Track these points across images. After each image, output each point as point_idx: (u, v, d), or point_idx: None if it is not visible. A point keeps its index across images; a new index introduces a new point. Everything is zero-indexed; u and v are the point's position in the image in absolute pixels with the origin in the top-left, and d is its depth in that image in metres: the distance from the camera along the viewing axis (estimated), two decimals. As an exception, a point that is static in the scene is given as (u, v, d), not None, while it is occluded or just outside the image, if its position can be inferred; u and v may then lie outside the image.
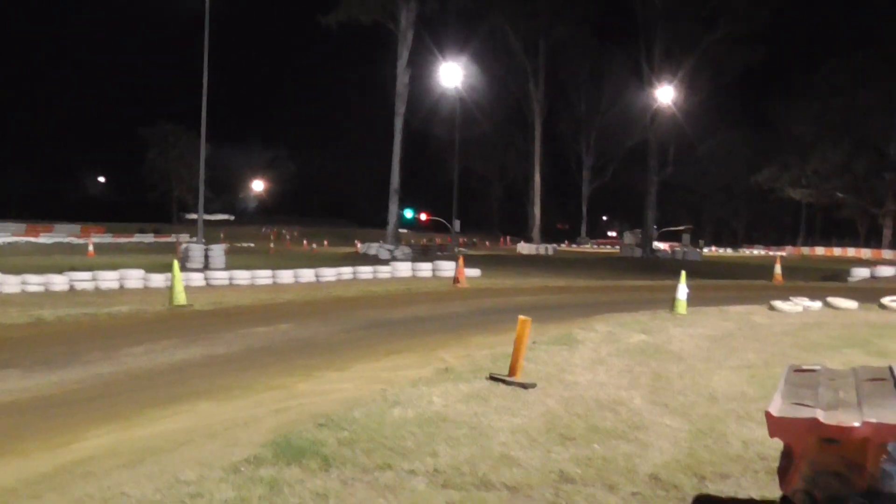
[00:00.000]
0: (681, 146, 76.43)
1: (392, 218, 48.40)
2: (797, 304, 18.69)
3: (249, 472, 5.90)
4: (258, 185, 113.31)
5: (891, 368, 5.66)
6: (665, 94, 59.04)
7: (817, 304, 19.13)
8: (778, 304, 18.59)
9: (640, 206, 65.86)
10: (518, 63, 68.88)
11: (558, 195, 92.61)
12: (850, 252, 74.75)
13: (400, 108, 47.97)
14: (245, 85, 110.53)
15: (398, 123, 47.84)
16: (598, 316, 16.37)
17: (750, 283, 31.26)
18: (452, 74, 54.56)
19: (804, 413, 4.36)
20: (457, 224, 55.87)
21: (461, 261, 26.72)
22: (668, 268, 39.90)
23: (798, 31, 78.33)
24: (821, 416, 4.28)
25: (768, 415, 4.41)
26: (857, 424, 3.93)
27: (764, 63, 60.70)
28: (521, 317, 9.60)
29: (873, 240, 77.22)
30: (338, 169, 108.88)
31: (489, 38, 63.26)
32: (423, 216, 71.28)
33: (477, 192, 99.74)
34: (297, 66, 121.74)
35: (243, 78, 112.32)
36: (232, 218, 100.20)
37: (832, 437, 3.69)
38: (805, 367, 6.06)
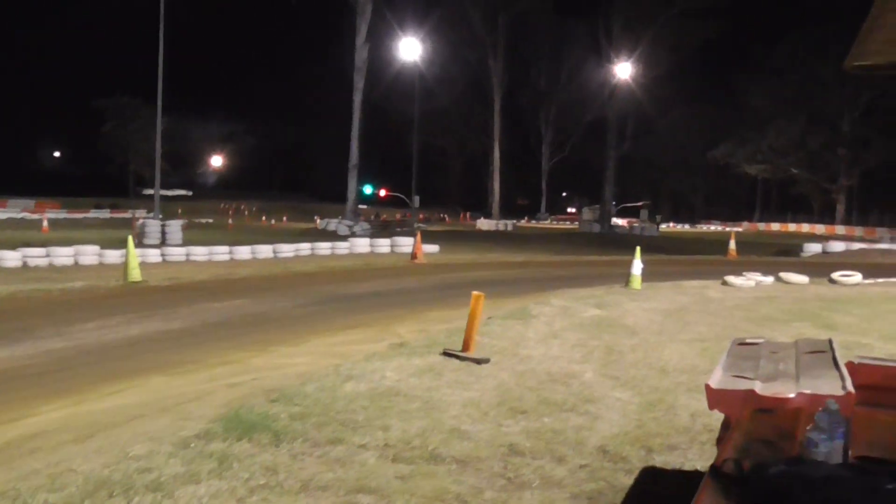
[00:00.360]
0: (640, 121, 76.77)
1: (351, 193, 48.22)
2: (750, 279, 18.96)
3: (199, 446, 5.90)
4: (217, 160, 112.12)
5: (830, 341, 5.79)
6: (623, 69, 59.26)
7: (769, 279, 19.43)
8: (731, 278, 18.85)
9: (599, 182, 66.21)
10: (477, 37, 68.74)
11: (518, 171, 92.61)
12: (805, 227, 75.78)
13: (359, 83, 47.67)
14: (204, 57, 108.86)
15: (357, 98, 47.56)
16: (554, 291, 16.50)
17: (705, 258, 31.65)
18: (411, 49, 54.30)
19: (742, 385, 4.45)
20: (416, 200, 55.77)
21: (419, 236, 26.77)
22: (625, 243, 40.17)
23: (758, 5, 78.74)
24: (758, 387, 4.37)
25: (707, 387, 4.49)
26: (791, 395, 4.02)
27: (722, 37, 61.28)
28: (475, 292, 9.67)
29: (827, 215, 78.25)
30: (298, 143, 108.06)
31: (449, 12, 62.98)
32: (383, 192, 71.03)
33: (437, 168, 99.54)
34: (256, 39, 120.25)
35: (203, 50, 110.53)
36: (190, 193, 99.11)
37: (767, 408, 3.78)
38: (749, 341, 6.17)
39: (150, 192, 50.25)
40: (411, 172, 55.39)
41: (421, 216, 65.51)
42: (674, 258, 31.71)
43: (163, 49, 33.23)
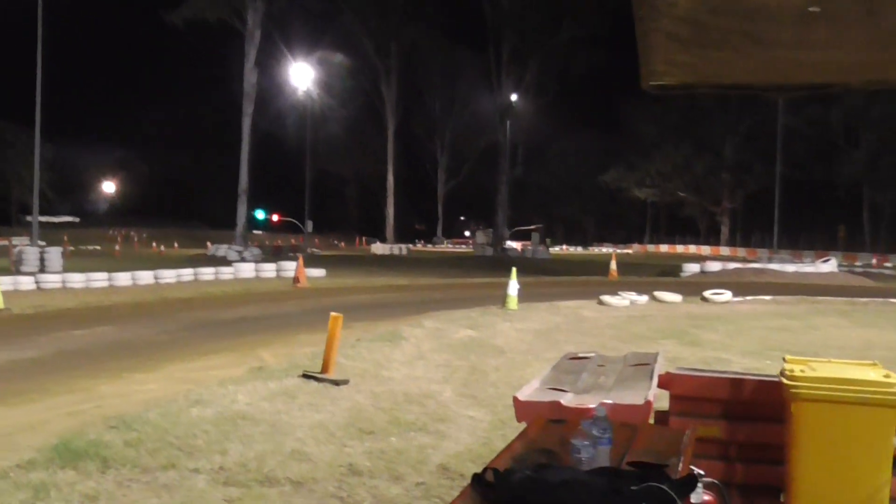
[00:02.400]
0: (532, 147, 78.06)
1: (241, 219, 47.53)
2: (625, 299, 19.37)
3: (17, 476, 5.66)
4: (108, 187, 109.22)
5: (656, 355, 5.93)
6: (513, 96, 60.18)
7: (644, 298, 19.89)
8: (607, 298, 19.23)
9: (494, 206, 66.85)
10: (370, 63, 68.85)
11: (414, 196, 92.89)
12: (692, 249, 77.94)
13: (248, 109, 47.12)
14: (93, 83, 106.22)
15: (246, 124, 46.98)
16: (431, 313, 16.52)
17: (588, 279, 32.17)
18: (303, 74, 54.05)
19: (549, 397, 4.52)
20: (309, 225, 55.33)
21: (300, 261, 26.54)
22: (517, 266, 40.59)
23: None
24: (566, 399, 4.44)
25: (515, 399, 4.54)
26: (592, 406, 4.08)
27: (609, 64, 62.59)
28: (333, 314, 9.59)
29: (713, 237, 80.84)
30: (190, 170, 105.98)
31: (341, 38, 62.99)
32: (276, 217, 70.19)
33: (333, 193, 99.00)
34: (146, 65, 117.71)
35: (90, 76, 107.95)
36: (78, 220, 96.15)
37: (559, 419, 3.82)
38: (581, 355, 6.28)
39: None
40: (305, 198, 54.99)
41: (316, 241, 64.99)
42: (558, 279, 32.19)
43: (41, 74, 32.22)
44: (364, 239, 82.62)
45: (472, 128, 77.79)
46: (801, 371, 4.18)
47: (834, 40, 3.07)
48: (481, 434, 7.40)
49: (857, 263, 54.64)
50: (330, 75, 63.41)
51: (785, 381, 4.17)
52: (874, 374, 4.14)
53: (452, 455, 6.69)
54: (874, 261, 57.80)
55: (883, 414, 4.00)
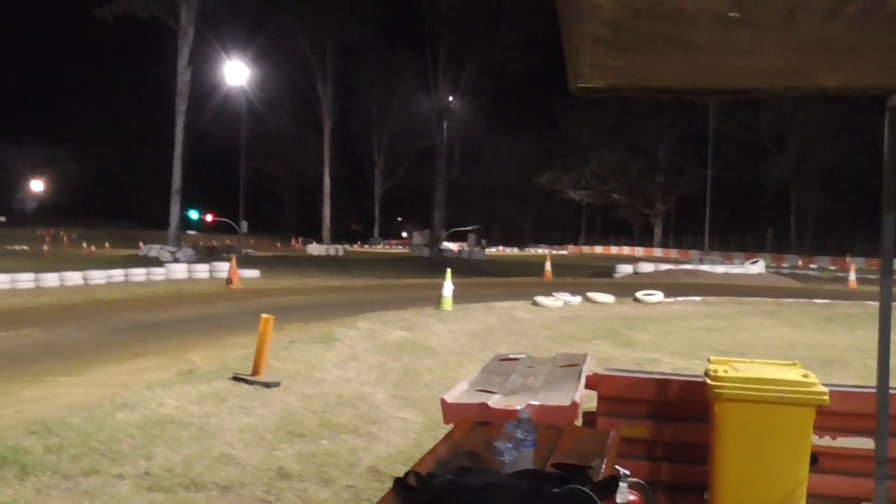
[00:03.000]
0: (469, 148, 78.32)
1: (174, 219, 46.85)
2: (559, 300, 19.52)
3: (-71, 485, 5.49)
4: (37, 185, 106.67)
5: (585, 356, 5.97)
6: (450, 97, 60.31)
7: (577, 299, 20.07)
8: (541, 299, 19.35)
9: (431, 207, 66.87)
10: (307, 62, 68.39)
11: (352, 196, 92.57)
12: (626, 250, 79.07)
13: (181, 107, 46.47)
14: (22, 80, 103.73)
15: (179, 122, 46.34)
16: (365, 314, 16.44)
17: (523, 280, 32.38)
18: (238, 73, 53.43)
19: (476, 399, 4.51)
20: (244, 225, 54.66)
21: (234, 261, 26.24)
22: (453, 267, 40.63)
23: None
24: (492, 401, 4.43)
25: (443, 402, 4.52)
26: (518, 407, 4.09)
27: (545, 67, 63.05)
28: (264, 315, 9.49)
29: (647, 238, 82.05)
30: (122, 169, 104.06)
31: (277, 37, 62.41)
32: (210, 217, 69.23)
33: (270, 193, 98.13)
34: (77, 63, 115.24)
35: (19, 72, 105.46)
36: (4, 219, 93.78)
37: (485, 421, 3.82)
38: (511, 356, 6.29)
39: (-45, 218, 47.24)
40: (240, 198, 54.39)
41: (251, 242, 64.32)
42: (493, 280, 32.31)
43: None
44: (300, 239, 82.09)
45: (410, 128, 77.75)
46: (724, 371, 4.24)
47: (755, 46, 3.11)
48: (413, 436, 7.39)
49: (785, 265, 55.93)
50: (265, 74, 62.86)
51: (708, 381, 4.23)
52: (793, 373, 4.22)
53: (383, 457, 6.67)
54: (800, 262, 59.22)
55: (801, 413, 4.08)
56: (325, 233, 71.15)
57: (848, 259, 45.98)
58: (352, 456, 6.65)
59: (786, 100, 56.34)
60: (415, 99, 71.71)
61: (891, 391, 4.11)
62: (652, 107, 71.18)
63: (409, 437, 7.34)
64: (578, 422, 4.89)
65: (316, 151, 75.55)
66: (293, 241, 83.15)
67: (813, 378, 4.16)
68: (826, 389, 4.09)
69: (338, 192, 74.50)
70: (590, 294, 20.77)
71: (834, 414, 4.34)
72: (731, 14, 2.74)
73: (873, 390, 4.17)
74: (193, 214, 63.20)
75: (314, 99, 72.02)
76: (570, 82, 3.88)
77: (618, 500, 3.62)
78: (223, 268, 28.73)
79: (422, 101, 68.37)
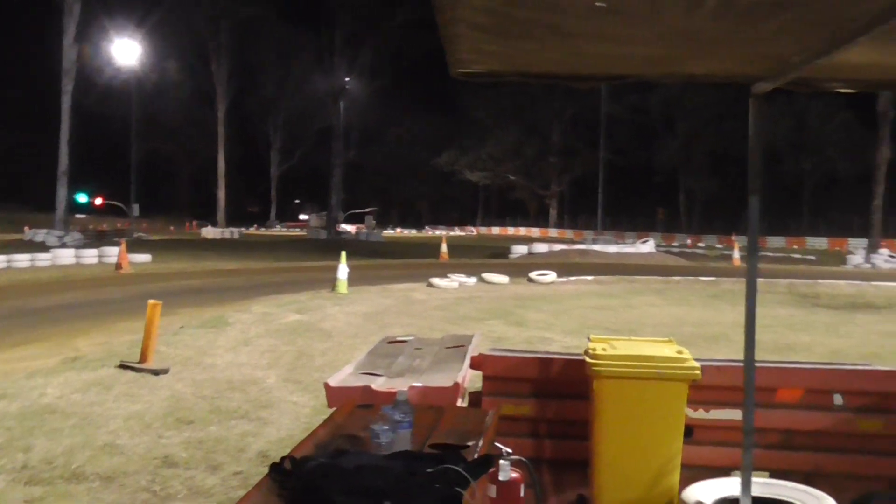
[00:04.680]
0: (367, 129, 77.95)
1: (60, 202, 45.24)
2: (454, 281, 19.67)
3: None
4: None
5: (472, 336, 6.06)
6: (348, 78, 59.95)
7: (472, 280, 20.26)
8: (436, 280, 19.47)
9: (328, 189, 66.38)
10: (201, 41, 66.94)
11: (247, 178, 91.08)
12: (522, 231, 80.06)
13: (67, 86, 44.85)
14: None
15: (65, 102, 44.72)
16: (259, 297, 16.29)
17: (420, 261, 32.48)
18: (128, 51, 51.95)
19: (360, 382, 4.54)
20: (135, 208, 53.36)
21: (124, 245, 25.62)
22: (350, 249, 40.51)
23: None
24: (375, 384, 4.47)
25: (326, 385, 4.55)
26: (403, 389, 4.13)
27: (443, 48, 63.09)
28: (151, 301, 9.32)
29: (542, 219, 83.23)
30: (6, 150, 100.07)
31: (169, 14, 60.82)
32: (99, 200, 67.15)
33: (164, 175, 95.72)
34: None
35: None
36: None
37: (367, 403, 3.85)
38: (399, 338, 6.35)
39: None
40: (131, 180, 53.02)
41: (144, 226, 62.77)
42: (390, 262, 32.31)
43: None
44: (195, 223, 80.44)
45: (307, 109, 76.87)
46: (603, 349, 4.37)
47: (625, 35, 3.19)
48: (304, 420, 7.38)
49: (674, 244, 57.63)
50: (158, 52, 61.29)
51: (588, 359, 4.35)
52: (668, 350, 4.38)
53: (274, 441, 6.64)
54: (689, 241, 61.17)
55: (675, 387, 4.23)
56: (221, 215, 70.00)
57: (733, 237, 47.60)
58: (241, 441, 6.60)
59: (674, 84, 57.88)
60: (312, 79, 70.92)
61: (757, 364, 4.29)
62: (546, 89, 72.00)
63: (300, 421, 7.32)
64: (465, 402, 4.98)
65: (210, 132, 74.09)
66: (187, 224, 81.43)
67: (686, 354, 4.32)
68: (698, 364, 4.25)
69: (233, 174, 73.37)
70: (485, 275, 21.00)
71: (707, 388, 4.52)
72: (597, 3, 2.80)
73: (742, 364, 4.35)
74: (82, 198, 61.31)
75: (208, 78, 70.60)
76: (450, 67, 3.91)
77: (500, 478, 3.72)
78: (113, 252, 27.94)
79: (319, 82, 67.70)
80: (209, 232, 64.10)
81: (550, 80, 4.45)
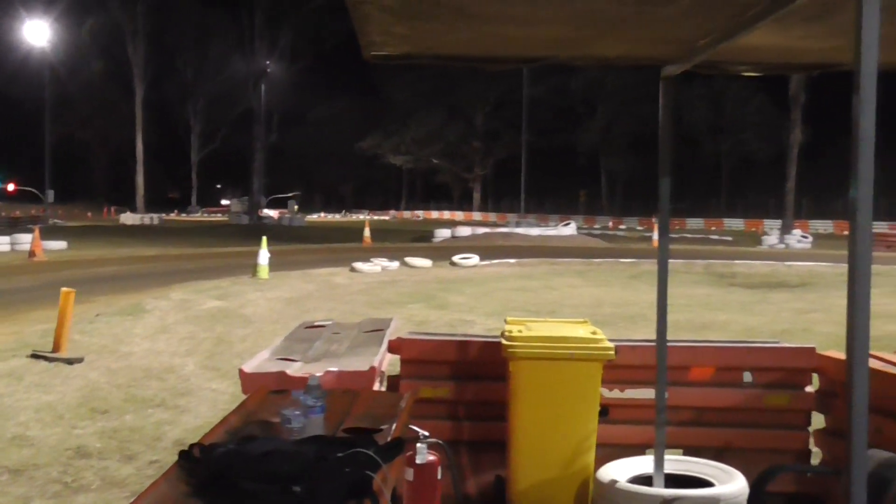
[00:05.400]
0: (289, 113, 77.14)
1: (-31, 189, 44.01)
2: (377, 265, 19.65)
3: None
4: None
5: (391, 320, 6.06)
6: (268, 60, 59.22)
7: (395, 264, 20.26)
8: (359, 265, 19.41)
9: (250, 174, 65.54)
10: (116, 22, 65.30)
11: (167, 163, 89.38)
12: (446, 214, 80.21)
13: (-25, 68, 43.57)
14: None
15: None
16: (179, 284, 16.03)
17: (343, 246, 32.34)
18: (39, 32, 50.44)
19: (276, 367, 4.51)
20: (50, 194, 51.95)
21: (37, 232, 24.96)
22: (272, 234, 40.06)
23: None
24: (291, 369, 4.44)
25: (241, 372, 4.51)
26: (319, 374, 4.12)
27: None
28: (64, 289, 9.11)
29: (467, 203, 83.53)
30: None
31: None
32: (11, 186, 65.14)
33: (80, 160, 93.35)
34: None
35: None
36: None
37: (282, 389, 3.82)
38: (317, 323, 6.31)
39: None
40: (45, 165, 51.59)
41: (60, 212, 61.16)
42: (312, 247, 32.09)
43: None
44: (113, 209, 78.66)
45: (227, 93, 75.60)
46: (519, 331, 4.40)
47: (532, 17, 3.21)
48: (223, 407, 7.28)
49: (596, 226, 58.43)
50: (72, 34, 59.65)
51: (504, 341, 4.38)
52: (583, 331, 4.44)
53: (191, 430, 6.56)
54: (610, 223, 62.04)
55: (589, 368, 4.29)
56: (140, 201, 68.62)
57: (653, 219, 48.42)
58: (157, 430, 6.51)
59: (589, 67, 58.60)
60: (232, 62, 69.90)
61: (669, 343, 4.38)
62: (469, 72, 72.07)
63: (218, 408, 7.23)
64: (383, 386, 4.98)
65: (128, 116, 72.48)
66: (105, 210, 79.60)
67: (601, 335, 4.38)
68: (612, 345, 4.32)
69: (152, 159, 71.94)
70: (408, 259, 21.01)
71: (622, 367, 4.60)
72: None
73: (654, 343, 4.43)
74: (-7, 184, 59.55)
75: (124, 61, 69.00)
76: (363, 50, 3.89)
77: (417, 461, 3.73)
78: (26, 240, 27.09)
79: (239, 65, 66.76)
80: (128, 218, 62.70)
81: (463, 62, 4.46)
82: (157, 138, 77.14)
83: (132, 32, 66.42)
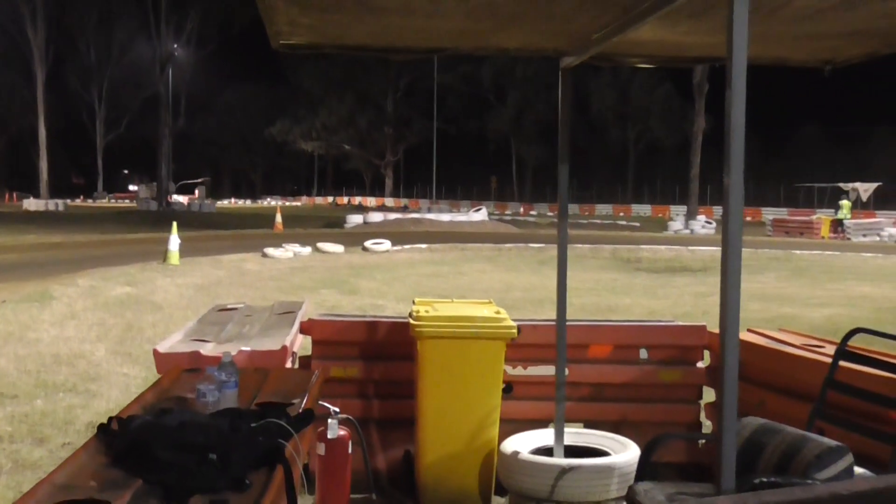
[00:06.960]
0: (197, 98, 75.84)
1: None
2: (288, 251, 19.65)
3: None
4: None
5: (302, 303, 6.20)
6: (174, 45, 58.21)
7: (307, 250, 20.29)
8: (270, 251, 19.38)
9: (157, 159, 64.32)
10: (14, 3, 63.18)
11: (71, 148, 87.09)
12: (358, 200, 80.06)
13: None
14: None
15: None
16: (86, 271, 15.77)
17: (254, 232, 32.09)
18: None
19: (189, 348, 4.62)
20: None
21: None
22: (182, 221, 39.46)
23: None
24: (204, 349, 4.56)
25: (155, 352, 4.60)
26: (233, 353, 4.24)
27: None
28: (-33, 275, 8.95)
29: (378, 189, 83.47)
30: None
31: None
32: None
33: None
34: None
35: None
36: None
37: (194, 368, 3.94)
38: (229, 306, 6.41)
39: None
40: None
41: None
42: (223, 233, 31.77)
43: None
44: (15, 194, 76.24)
45: (133, 77, 74.08)
46: (426, 311, 4.59)
47: (433, 9, 3.38)
48: (135, 391, 7.30)
49: (507, 212, 59.04)
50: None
51: (411, 321, 4.56)
52: (487, 311, 4.64)
53: (103, 413, 6.56)
54: (521, 209, 62.78)
55: (493, 346, 4.50)
56: (43, 187, 66.62)
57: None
58: (69, 414, 6.52)
59: (499, 57, 59.22)
60: (137, 46, 68.40)
61: (569, 323, 4.63)
62: (379, 60, 72.09)
63: (130, 391, 7.24)
64: (294, 366, 5.12)
65: (28, 100, 70.31)
66: (7, 196, 77.14)
67: (504, 314, 4.59)
68: (515, 324, 4.53)
69: (55, 144, 69.94)
70: (319, 244, 21.06)
71: (525, 346, 4.82)
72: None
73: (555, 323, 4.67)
74: None
75: (23, 43, 66.83)
76: (270, 39, 4.01)
77: (328, 436, 3.89)
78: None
79: (145, 49, 65.33)
80: (31, 204, 60.87)
81: (367, 52, 4.63)
82: (61, 123, 75.10)
83: (31, 13, 64.35)
